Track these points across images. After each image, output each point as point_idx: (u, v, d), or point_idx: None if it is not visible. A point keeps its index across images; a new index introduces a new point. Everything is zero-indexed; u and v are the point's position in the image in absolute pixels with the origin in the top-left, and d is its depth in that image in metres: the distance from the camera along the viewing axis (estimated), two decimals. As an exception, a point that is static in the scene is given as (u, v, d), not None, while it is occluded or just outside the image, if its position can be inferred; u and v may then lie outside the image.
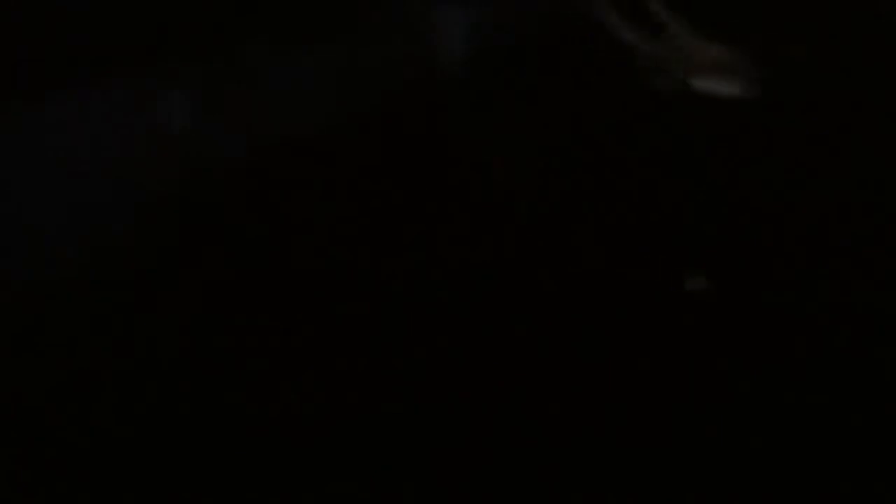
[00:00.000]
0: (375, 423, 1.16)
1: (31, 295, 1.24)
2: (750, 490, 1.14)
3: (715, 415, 1.21)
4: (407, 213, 1.36)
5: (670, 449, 1.17)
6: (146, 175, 1.33)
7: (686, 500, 1.13)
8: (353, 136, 1.39)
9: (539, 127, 1.47)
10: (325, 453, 1.13)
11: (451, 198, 1.39)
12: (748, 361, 1.27)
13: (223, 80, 1.37)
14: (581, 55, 1.56)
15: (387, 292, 1.29)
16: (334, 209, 1.35)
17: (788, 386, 1.24)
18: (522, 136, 1.46)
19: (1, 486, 1.06)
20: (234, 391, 1.16)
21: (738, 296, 1.33)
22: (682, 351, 1.27)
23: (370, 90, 1.41)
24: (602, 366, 1.25)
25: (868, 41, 1.63)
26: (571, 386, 1.22)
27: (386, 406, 1.18)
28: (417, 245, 1.34)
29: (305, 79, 1.39)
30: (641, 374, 1.24)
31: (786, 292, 1.34)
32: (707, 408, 1.22)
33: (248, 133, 1.35)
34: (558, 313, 1.30)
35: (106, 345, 1.19)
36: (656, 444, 1.17)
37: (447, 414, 1.18)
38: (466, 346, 1.25)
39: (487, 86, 1.46)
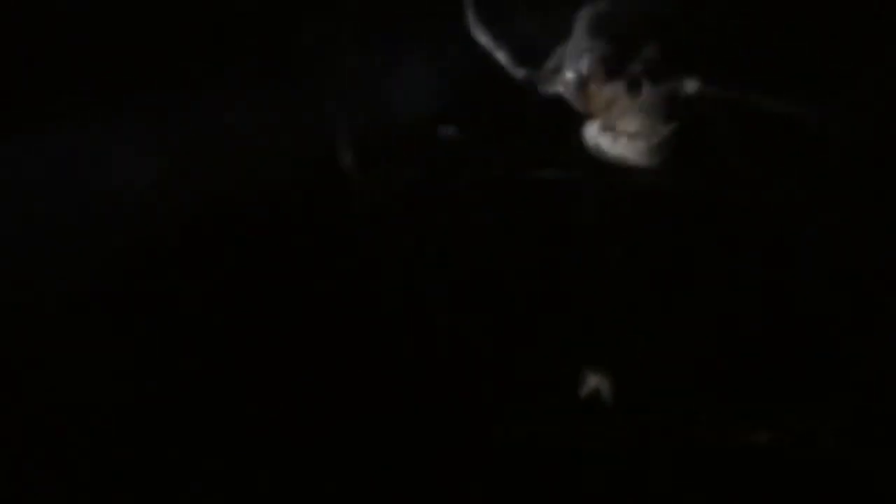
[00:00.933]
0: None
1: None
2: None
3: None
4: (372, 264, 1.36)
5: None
6: (102, 227, 1.32)
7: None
8: (313, 186, 1.39)
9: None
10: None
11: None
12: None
13: (181, 129, 1.34)
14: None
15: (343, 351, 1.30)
16: (295, 260, 1.35)
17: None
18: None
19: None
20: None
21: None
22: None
23: (328, 141, 1.39)
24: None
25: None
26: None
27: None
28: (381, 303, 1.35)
29: (262, 129, 1.37)
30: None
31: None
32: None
33: (206, 184, 1.34)
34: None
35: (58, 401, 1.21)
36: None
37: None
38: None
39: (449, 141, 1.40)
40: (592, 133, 1.37)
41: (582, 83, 1.36)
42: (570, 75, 1.36)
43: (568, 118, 1.38)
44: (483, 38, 1.39)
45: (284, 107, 1.35)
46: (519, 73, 1.38)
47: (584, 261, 1.37)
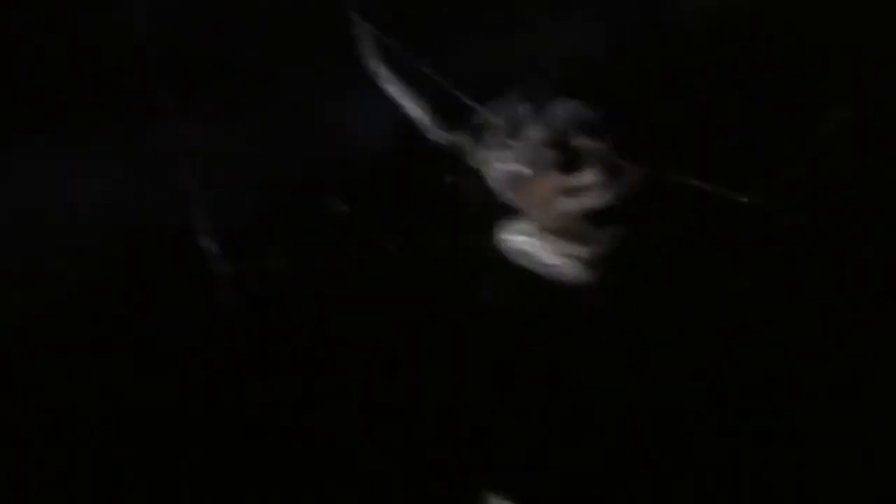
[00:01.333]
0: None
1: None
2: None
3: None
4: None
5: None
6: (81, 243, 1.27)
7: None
8: (284, 208, 1.27)
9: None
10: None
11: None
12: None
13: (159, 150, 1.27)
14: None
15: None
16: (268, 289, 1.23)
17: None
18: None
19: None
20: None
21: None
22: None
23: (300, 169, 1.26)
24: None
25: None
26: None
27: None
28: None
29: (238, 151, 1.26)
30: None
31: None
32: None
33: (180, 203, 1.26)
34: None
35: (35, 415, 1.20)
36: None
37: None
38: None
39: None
40: (523, 234, 1.08)
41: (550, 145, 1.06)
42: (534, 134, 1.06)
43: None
44: (392, 84, 1.09)
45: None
46: (441, 135, 1.08)
47: (490, 371, 1.14)
